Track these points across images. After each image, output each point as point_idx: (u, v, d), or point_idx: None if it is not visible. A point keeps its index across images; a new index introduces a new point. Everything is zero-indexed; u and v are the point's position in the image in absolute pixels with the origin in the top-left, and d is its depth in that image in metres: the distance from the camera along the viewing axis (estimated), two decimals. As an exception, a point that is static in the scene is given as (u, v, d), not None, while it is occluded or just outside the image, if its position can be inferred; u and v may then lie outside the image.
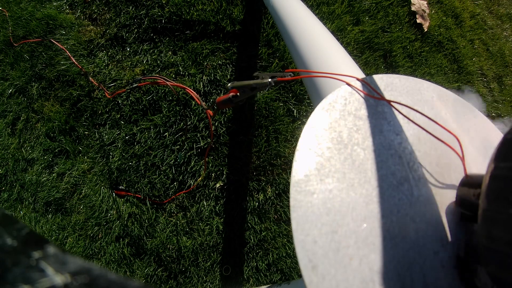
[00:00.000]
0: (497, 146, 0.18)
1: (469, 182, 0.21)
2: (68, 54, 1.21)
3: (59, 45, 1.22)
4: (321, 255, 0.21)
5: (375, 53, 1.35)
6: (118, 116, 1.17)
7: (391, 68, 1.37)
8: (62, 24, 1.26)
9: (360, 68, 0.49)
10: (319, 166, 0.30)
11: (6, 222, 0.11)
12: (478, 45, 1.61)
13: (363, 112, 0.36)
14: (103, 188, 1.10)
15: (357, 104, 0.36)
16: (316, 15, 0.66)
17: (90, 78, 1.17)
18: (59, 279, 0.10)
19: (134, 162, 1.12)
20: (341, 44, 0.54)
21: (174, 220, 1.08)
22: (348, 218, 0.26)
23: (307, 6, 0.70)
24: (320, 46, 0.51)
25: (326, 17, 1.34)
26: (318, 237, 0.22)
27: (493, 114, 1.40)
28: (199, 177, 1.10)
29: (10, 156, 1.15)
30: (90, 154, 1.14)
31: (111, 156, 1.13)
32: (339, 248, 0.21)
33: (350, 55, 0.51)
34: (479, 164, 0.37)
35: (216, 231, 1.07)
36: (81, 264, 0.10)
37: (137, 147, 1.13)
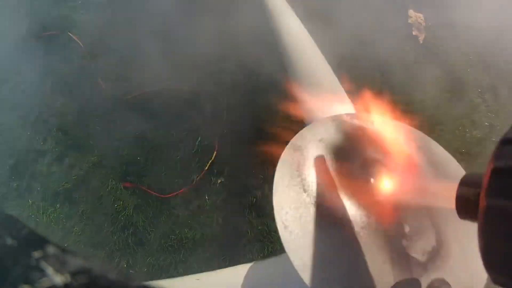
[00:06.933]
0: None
1: (469, 182, 0.21)
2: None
3: (75, 38, 1.23)
4: (291, 221, 0.32)
5: (371, 63, 1.34)
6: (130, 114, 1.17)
7: (386, 77, 1.35)
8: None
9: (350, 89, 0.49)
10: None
11: (6, 222, 0.11)
12: (473, 57, 1.59)
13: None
14: (111, 180, 1.10)
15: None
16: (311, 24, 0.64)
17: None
18: (59, 279, 0.09)
19: (142, 157, 1.12)
20: (336, 55, 0.54)
21: (177, 212, 1.08)
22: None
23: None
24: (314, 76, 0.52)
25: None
26: (289, 209, 0.33)
27: (485, 123, 1.39)
28: (201, 172, 1.10)
29: (22, 147, 1.15)
30: (100, 147, 1.14)
31: (120, 150, 1.13)
32: (301, 216, 0.32)
33: (345, 66, 0.51)
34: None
35: (216, 224, 1.07)
36: (81, 264, 0.10)
37: (146, 143, 1.13)
